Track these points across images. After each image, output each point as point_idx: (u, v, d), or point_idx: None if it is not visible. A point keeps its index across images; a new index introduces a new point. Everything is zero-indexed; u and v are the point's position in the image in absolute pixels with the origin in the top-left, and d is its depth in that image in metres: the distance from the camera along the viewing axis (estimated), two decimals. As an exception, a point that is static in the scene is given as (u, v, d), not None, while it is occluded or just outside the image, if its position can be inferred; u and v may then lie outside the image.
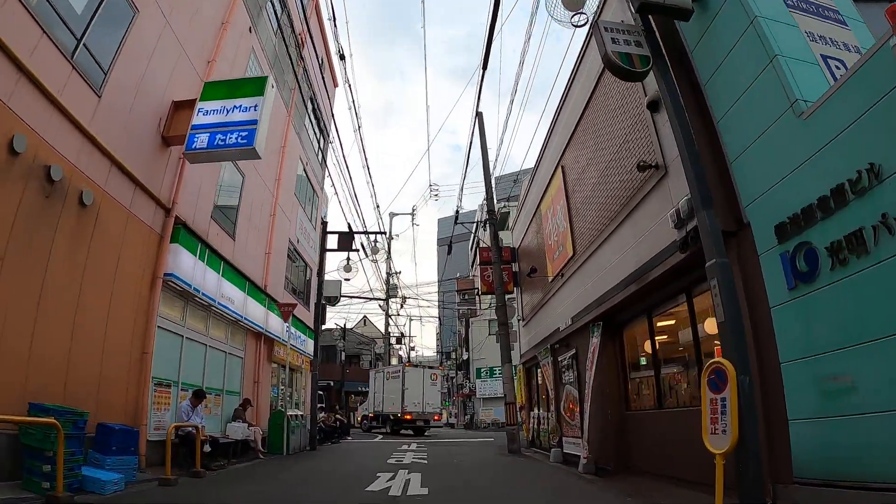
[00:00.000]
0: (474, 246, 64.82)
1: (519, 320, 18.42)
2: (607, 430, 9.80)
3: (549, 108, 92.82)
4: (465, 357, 42.72)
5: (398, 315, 39.59)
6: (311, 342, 21.01)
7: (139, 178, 8.75)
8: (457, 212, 22.94)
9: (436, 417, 24.65)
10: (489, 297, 42.95)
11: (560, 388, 12.88)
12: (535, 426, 16.45)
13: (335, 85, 25.17)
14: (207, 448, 9.51)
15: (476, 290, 26.65)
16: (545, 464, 11.97)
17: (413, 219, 40.24)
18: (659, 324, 8.97)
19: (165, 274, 9.56)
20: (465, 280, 64.15)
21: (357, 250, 18.08)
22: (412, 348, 65.36)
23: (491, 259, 18.88)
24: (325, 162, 25.63)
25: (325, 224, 18.77)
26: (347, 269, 18.10)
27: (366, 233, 18.75)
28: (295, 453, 14.41)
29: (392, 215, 41.24)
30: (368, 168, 33.75)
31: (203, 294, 11.15)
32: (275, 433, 14.25)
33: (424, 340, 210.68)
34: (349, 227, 18.11)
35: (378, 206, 19.59)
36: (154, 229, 9.46)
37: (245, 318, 13.88)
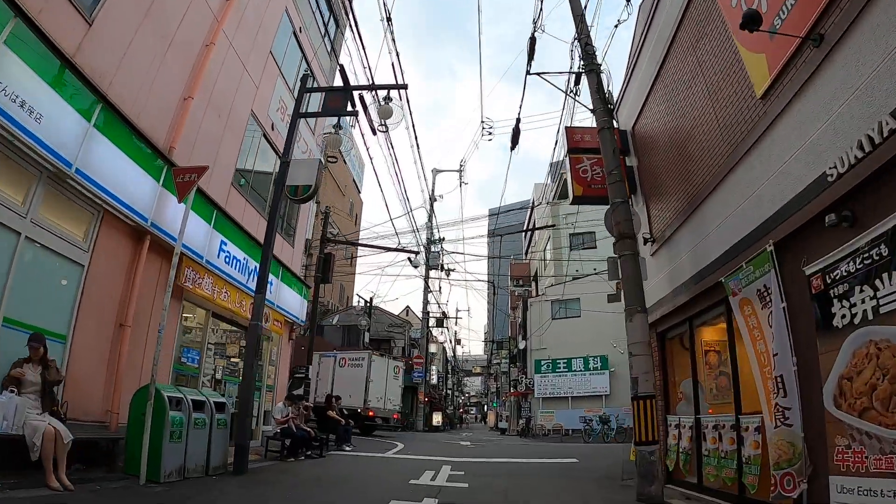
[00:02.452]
0: (529, 222, 56.46)
1: (648, 241, 10.10)
2: None
3: None
4: (521, 346, 34.34)
5: (438, 290, 31.68)
6: (297, 300, 13.46)
7: None
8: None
9: (395, 416, 22.11)
10: (550, 276, 34.57)
11: (830, 342, 4.52)
12: (686, 445, 8.22)
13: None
14: None
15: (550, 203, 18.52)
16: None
17: (461, 176, 31.91)
18: None
19: None
20: (520, 265, 55.84)
21: (354, 113, 10.14)
22: (458, 341, 57.23)
23: (582, 145, 10.84)
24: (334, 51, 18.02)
25: (304, 78, 10.92)
26: (335, 143, 10.18)
27: (373, 87, 10.76)
28: (179, 480, 6.61)
29: (436, 172, 33.28)
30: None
31: None
32: (134, 434, 6.47)
33: (472, 322, 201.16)
34: (344, 76, 10.21)
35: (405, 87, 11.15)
36: None
37: (89, 180, 6.31)
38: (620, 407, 27.93)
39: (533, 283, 44.60)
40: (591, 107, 9.95)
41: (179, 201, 7.76)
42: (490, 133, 27.05)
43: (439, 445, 17.35)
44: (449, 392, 59.24)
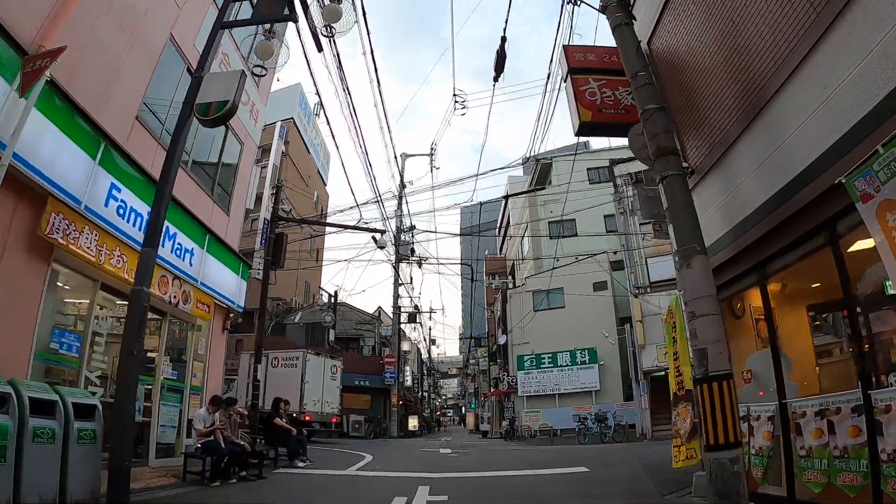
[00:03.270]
0: (503, 224, 54.18)
1: (687, 173, 7.59)
2: None
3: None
4: (501, 342, 31.83)
5: (410, 282, 28.95)
6: (232, 280, 10.76)
7: None
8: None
9: (333, 419, 20.36)
10: (529, 268, 31.78)
11: None
12: (764, 444, 5.79)
13: None
14: None
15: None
16: None
17: (432, 160, 29.31)
18: None
19: None
20: (496, 259, 53.38)
21: (293, 18, 7.43)
22: (432, 341, 54.62)
23: (585, 65, 8.49)
24: None
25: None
26: (266, 52, 7.45)
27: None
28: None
29: (405, 156, 30.63)
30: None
31: None
32: None
33: (447, 321, 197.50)
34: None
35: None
36: None
37: None
38: (612, 403, 25.73)
39: (510, 278, 42.21)
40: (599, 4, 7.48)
41: (22, 94, 5.08)
42: (463, 107, 24.20)
43: (415, 455, 14.71)
44: (425, 394, 56.46)
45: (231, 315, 11.68)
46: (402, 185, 31.21)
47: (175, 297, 9.00)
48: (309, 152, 40.51)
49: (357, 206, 20.01)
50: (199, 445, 8.30)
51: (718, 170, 6.78)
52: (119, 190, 7.61)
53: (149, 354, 9.20)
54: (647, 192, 6.57)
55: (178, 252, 9.07)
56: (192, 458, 8.33)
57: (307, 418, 17.88)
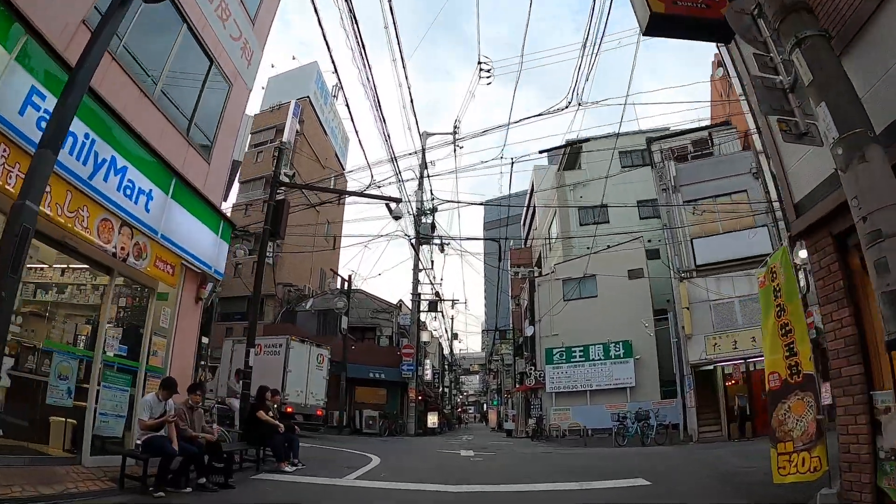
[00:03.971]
0: (529, 216, 51.52)
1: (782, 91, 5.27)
2: None
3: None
4: (528, 333, 29.52)
5: (431, 266, 26.76)
6: (208, 238, 8.76)
7: None
8: None
9: (318, 412, 19.01)
10: (559, 258, 29.18)
11: None
12: None
13: None
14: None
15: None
16: None
17: (455, 139, 27.02)
18: None
19: None
20: (521, 250, 50.90)
21: None
22: (454, 335, 52.50)
23: None
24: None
25: None
26: None
27: None
28: None
29: (426, 135, 28.47)
30: None
31: None
32: None
33: (469, 318, 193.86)
34: None
35: None
36: None
37: None
38: (649, 401, 23.32)
39: (537, 269, 39.80)
40: None
41: None
42: (489, 75, 21.92)
43: (431, 458, 12.58)
44: (446, 390, 54.36)
45: (208, 284, 9.64)
46: (424, 165, 29.05)
47: (123, 248, 6.98)
48: (326, 134, 38.63)
49: (369, 167, 17.83)
50: (139, 442, 6.27)
51: (862, 43, 4.48)
52: (43, 97, 5.62)
53: (85, 322, 7.26)
54: (764, 80, 4.34)
55: (128, 192, 7.04)
56: (132, 458, 6.31)
57: (289, 410, 16.38)
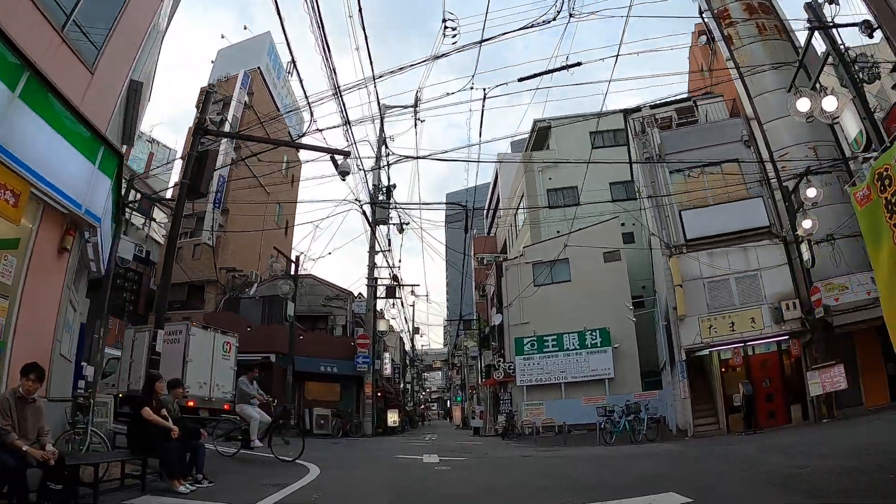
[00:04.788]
0: (493, 205, 49.15)
1: None
2: None
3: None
4: (495, 321, 27.16)
5: (388, 246, 24.04)
6: (81, 167, 5.90)
7: None
8: None
9: (226, 407, 16.63)
10: (528, 240, 26.53)
11: None
12: None
13: None
14: None
15: None
16: None
17: (416, 112, 24.20)
18: None
19: None
20: (486, 239, 48.52)
21: None
22: (416, 329, 49.94)
23: None
24: None
25: None
26: None
27: None
28: None
29: (385, 108, 25.67)
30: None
31: None
32: None
33: (431, 316, 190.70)
34: None
35: None
36: None
37: None
38: (630, 393, 21.30)
39: (502, 256, 37.54)
40: None
41: None
42: (454, 32, 19.14)
43: (385, 469, 9.95)
44: (408, 386, 51.69)
45: (77, 230, 6.83)
46: (382, 140, 26.33)
47: None
48: (278, 110, 35.54)
49: (307, 101, 15.09)
50: None
51: None
52: None
53: None
54: None
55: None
56: None
57: (190, 404, 14.54)
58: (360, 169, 18.43)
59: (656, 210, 19.05)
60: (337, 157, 12.11)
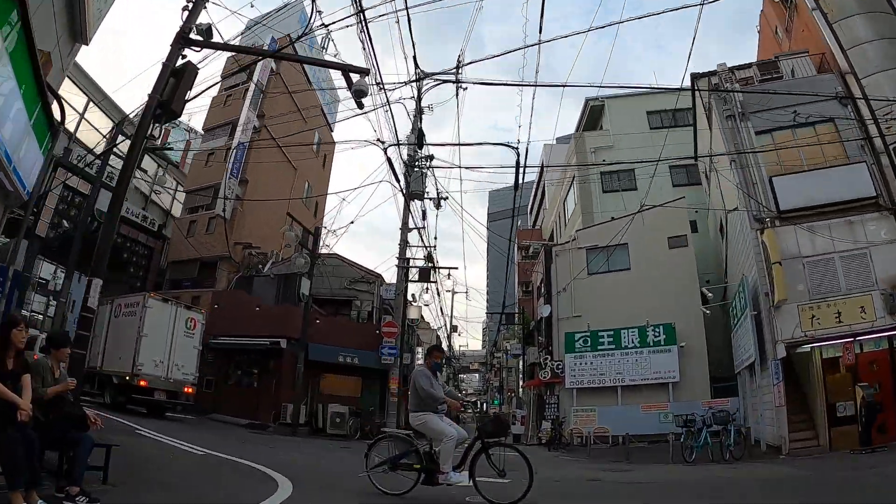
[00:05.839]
0: (538, 199, 45.88)
1: None
2: None
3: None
4: (543, 313, 23.90)
5: (423, 222, 21.13)
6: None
7: None
8: None
9: (186, 390, 15.41)
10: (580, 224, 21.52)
11: None
12: None
13: None
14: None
15: None
16: None
17: (458, 77, 21.21)
18: None
19: None
20: (532, 231, 45.31)
21: None
22: (454, 328, 46.98)
23: None
24: None
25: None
26: None
27: None
28: None
29: (423, 75, 22.79)
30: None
31: None
32: None
33: (470, 311, 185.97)
34: None
35: None
36: None
37: None
38: (697, 400, 18.01)
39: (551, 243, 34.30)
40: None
41: None
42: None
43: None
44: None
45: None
46: (420, 111, 23.49)
47: None
48: (310, 83, 33.28)
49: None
50: None
51: None
52: None
53: None
54: None
55: None
56: None
57: (143, 384, 13.45)
58: (380, 88, 15.44)
59: (741, 176, 15.72)
60: (353, 74, 9.31)
